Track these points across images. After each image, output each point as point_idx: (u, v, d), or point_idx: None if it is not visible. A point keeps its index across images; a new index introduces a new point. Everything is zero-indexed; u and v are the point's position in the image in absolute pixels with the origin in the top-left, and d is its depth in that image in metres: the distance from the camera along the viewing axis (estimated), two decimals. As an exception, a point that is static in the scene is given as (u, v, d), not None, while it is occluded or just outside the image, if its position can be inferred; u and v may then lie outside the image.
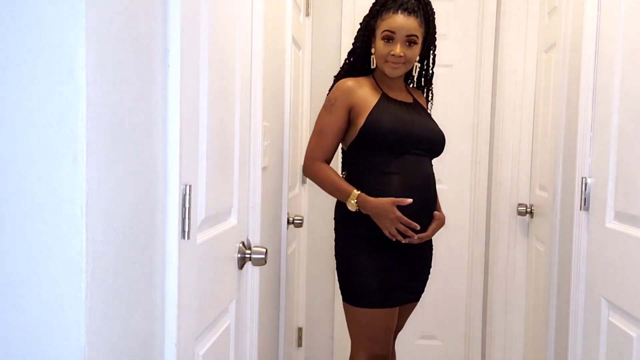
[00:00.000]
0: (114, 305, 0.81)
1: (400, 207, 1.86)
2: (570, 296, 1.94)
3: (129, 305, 0.87)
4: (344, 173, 2.15)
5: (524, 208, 2.91)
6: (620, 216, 1.60)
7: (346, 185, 1.93)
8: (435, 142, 1.99)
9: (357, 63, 2.05)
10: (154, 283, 0.97)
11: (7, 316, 0.73)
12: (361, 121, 1.91)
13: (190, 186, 1.05)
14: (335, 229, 2.06)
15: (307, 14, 2.91)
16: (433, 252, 2.10)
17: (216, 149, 1.25)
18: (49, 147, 0.71)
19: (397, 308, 1.99)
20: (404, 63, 1.94)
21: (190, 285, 1.11)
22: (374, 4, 1.99)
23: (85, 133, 0.71)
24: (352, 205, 1.91)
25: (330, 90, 2.05)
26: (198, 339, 1.18)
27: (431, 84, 2.18)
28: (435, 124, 2.05)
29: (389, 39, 1.91)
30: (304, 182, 2.93)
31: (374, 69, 2.03)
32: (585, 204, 1.83)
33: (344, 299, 2.01)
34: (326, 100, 2.00)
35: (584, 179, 1.83)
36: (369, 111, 1.91)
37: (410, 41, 1.92)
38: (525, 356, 2.96)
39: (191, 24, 1.06)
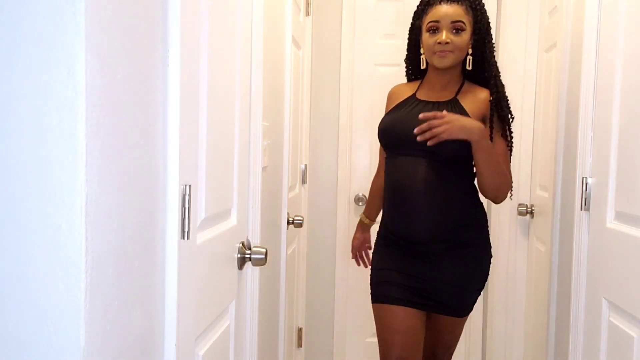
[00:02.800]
0: (113, 305, 0.81)
1: (390, 207, 1.97)
2: (570, 296, 1.94)
3: (129, 306, 0.87)
4: None
5: (525, 208, 2.91)
6: (621, 216, 1.60)
7: (369, 208, 2.24)
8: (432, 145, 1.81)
9: (413, 66, 2.05)
10: (153, 283, 0.97)
11: (7, 316, 0.73)
12: None
13: (190, 186, 1.05)
14: None
15: (307, 14, 2.91)
16: (472, 260, 1.90)
17: (216, 149, 1.25)
18: (48, 147, 0.71)
19: (404, 310, 1.87)
20: (452, 51, 1.84)
21: (190, 285, 1.11)
22: (418, 5, 1.96)
23: (84, 133, 0.71)
24: (362, 218, 2.26)
25: None
26: (198, 339, 1.18)
27: (498, 82, 1.91)
28: None
29: (434, 29, 1.86)
30: (304, 182, 2.93)
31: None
32: (585, 204, 1.82)
33: None
34: None
35: (584, 179, 1.83)
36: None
37: (456, 28, 1.84)
38: (525, 356, 2.96)
39: (191, 24, 1.06)
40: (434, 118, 1.72)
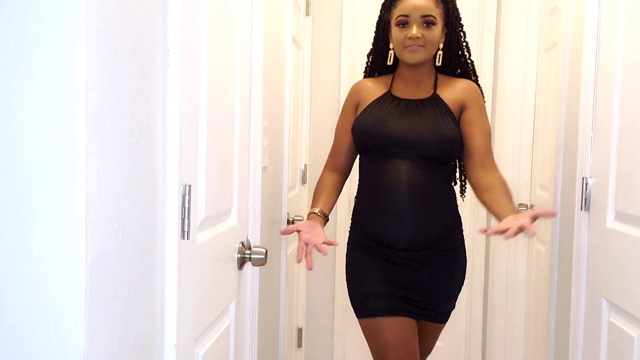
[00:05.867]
0: (113, 305, 0.81)
1: (369, 212, 1.81)
2: (570, 296, 1.94)
3: (129, 306, 0.87)
4: None
5: (525, 208, 2.90)
6: (621, 216, 1.60)
7: (315, 201, 1.88)
8: (421, 145, 1.76)
9: (377, 61, 1.94)
10: (153, 283, 0.97)
11: (7, 316, 0.73)
12: None
13: (190, 186, 1.05)
14: None
15: (307, 14, 2.91)
16: (455, 264, 1.85)
17: (216, 149, 1.25)
18: (48, 147, 0.71)
19: (396, 321, 1.76)
20: (424, 46, 1.77)
21: (190, 285, 1.11)
22: None
23: (85, 133, 0.71)
24: None
25: None
26: (198, 339, 1.18)
27: (475, 75, 1.93)
28: (438, 124, 1.78)
29: (403, 23, 1.77)
30: (304, 182, 2.93)
31: (397, 65, 1.89)
32: (586, 204, 1.82)
33: None
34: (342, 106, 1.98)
35: (584, 179, 1.83)
36: (361, 111, 1.86)
37: (427, 22, 1.76)
38: (525, 356, 2.96)
39: (191, 24, 1.06)
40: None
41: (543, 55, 2.80)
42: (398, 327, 1.76)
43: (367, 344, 1.86)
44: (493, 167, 1.82)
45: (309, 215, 1.84)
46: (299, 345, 2.96)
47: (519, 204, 2.95)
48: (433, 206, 1.79)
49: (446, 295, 1.85)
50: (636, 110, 1.51)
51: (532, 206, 2.89)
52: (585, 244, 1.84)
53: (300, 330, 2.97)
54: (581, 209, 1.85)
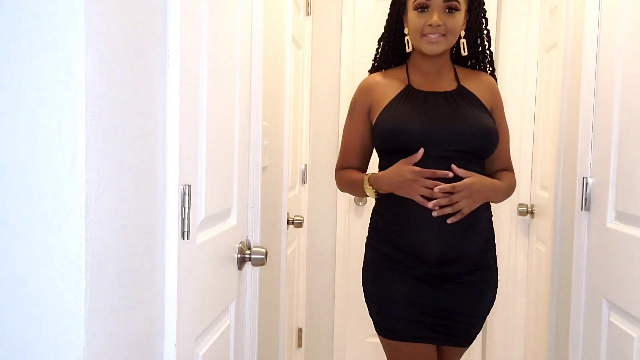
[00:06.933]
0: (113, 305, 0.81)
1: (397, 219, 1.62)
2: (570, 296, 1.94)
3: (129, 306, 0.87)
4: None
5: (525, 208, 2.91)
6: (621, 216, 1.60)
7: (359, 175, 1.69)
8: (461, 139, 1.58)
9: (390, 49, 1.75)
10: (153, 283, 0.97)
11: (7, 316, 0.73)
12: (373, 122, 1.67)
13: (189, 186, 1.05)
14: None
15: (307, 14, 2.91)
16: (486, 286, 1.69)
17: (216, 149, 1.25)
18: (48, 148, 0.71)
19: (419, 347, 1.64)
20: (445, 35, 1.60)
21: (190, 285, 1.11)
22: None
23: (84, 133, 0.71)
24: (371, 192, 1.64)
25: None
26: (198, 339, 1.18)
27: (493, 67, 1.80)
28: (475, 116, 1.62)
29: (423, 7, 1.59)
30: (304, 182, 2.93)
31: (410, 54, 1.72)
32: (586, 204, 1.82)
33: None
34: (349, 105, 1.77)
35: (585, 179, 1.83)
36: (381, 110, 1.65)
37: (450, 7, 1.59)
38: (525, 356, 2.96)
39: (191, 24, 1.06)
40: (453, 191, 1.53)
41: (543, 55, 2.80)
42: (418, 352, 1.65)
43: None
44: (510, 170, 1.82)
45: (370, 178, 1.65)
46: (299, 345, 2.97)
47: (519, 204, 2.95)
48: (472, 213, 1.60)
49: (473, 321, 1.69)
50: (636, 110, 1.51)
51: (532, 206, 2.89)
52: (585, 244, 1.84)
53: (300, 330, 2.97)
54: (581, 209, 1.85)
